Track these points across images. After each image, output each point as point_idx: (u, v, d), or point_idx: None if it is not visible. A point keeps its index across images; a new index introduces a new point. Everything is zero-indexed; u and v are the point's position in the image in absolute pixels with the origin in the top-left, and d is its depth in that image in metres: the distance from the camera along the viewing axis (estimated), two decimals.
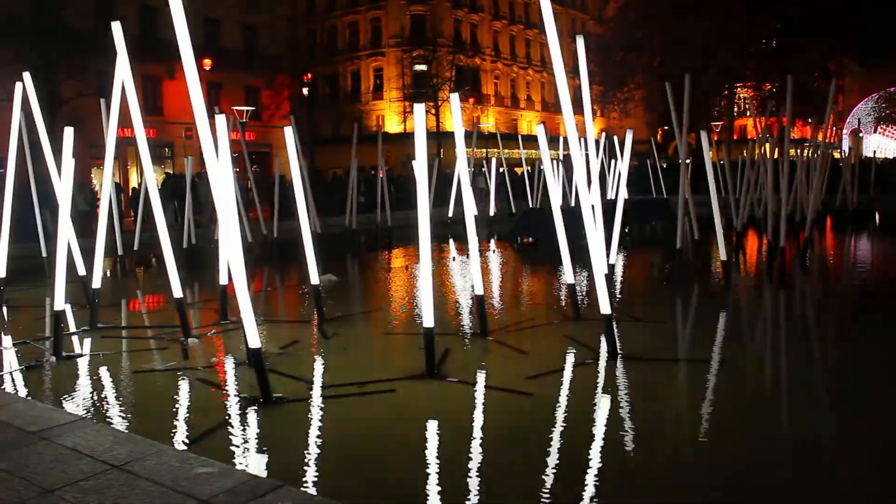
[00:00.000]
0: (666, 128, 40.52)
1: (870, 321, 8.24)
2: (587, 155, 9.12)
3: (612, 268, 9.81)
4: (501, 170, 22.33)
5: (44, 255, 12.62)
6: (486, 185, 22.84)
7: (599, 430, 4.77)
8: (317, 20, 54.13)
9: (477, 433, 4.78)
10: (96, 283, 8.14)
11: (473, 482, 3.98)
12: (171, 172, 29.11)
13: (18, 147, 9.24)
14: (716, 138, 33.41)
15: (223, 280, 8.09)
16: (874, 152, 42.32)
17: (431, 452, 4.48)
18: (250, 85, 39.30)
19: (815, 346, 6.80)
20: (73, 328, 8.09)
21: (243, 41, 39.31)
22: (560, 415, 5.10)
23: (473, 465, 4.23)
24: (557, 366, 6.18)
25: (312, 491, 3.85)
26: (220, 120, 6.71)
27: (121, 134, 9.05)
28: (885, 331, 7.69)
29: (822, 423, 4.77)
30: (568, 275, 7.89)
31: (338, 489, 3.81)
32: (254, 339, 5.33)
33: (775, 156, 14.60)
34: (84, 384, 6.11)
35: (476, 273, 7.44)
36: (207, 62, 30.13)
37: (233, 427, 4.92)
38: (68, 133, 7.19)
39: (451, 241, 17.11)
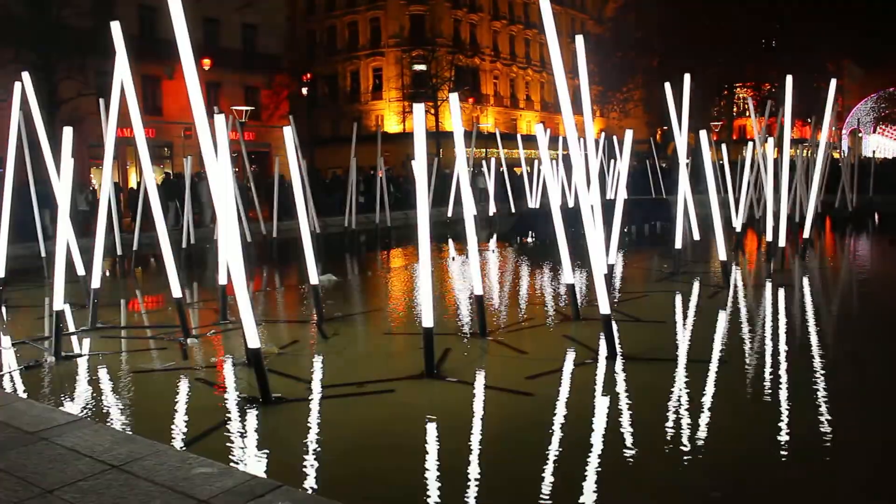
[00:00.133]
0: (665, 128, 40.53)
1: (869, 320, 8.24)
2: (586, 155, 9.12)
3: (611, 268, 9.81)
4: (501, 169, 22.32)
5: (43, 255, 12.60)
6: (485, 185, 22.84)
7: (599, 430, 4.76)
8: (316, 20, 54.12)
9: (476, 433, 4.78)
10: (95, 283, 8.13)
11: (473, 482, 3.98)
12: (170, 172, 29.08)
13: (17, 147, 9.24)
14: (715, 138, 33.42)
15: (222, 280, 8.08)
16: (873, 152, 42.35)
17: (431, 452, 4.48)
18: (249, 85, 39.27)
19: (814, 346, 6.80)
20: (72, 328, 8.09)
21: (242, 41, 39.28)
22: (559, 415, 5.10)
23: (473, 464, 4.23)
24: (557, 366, 6.18)
25: (311, 491, 3.85)
26: (220, 120, 6.71)
27: (120, 134, 9.05)
28: (884, 330, 7.70)
29: (821, 423, 4.76)
30: (567, 274, 7.89)
31: (337, 489, 3.81)
32: (253, 339, 5.33)
33: (774, 155, 14.59)
34: (83, 384, 6.11)
35: (475, 273, 7.44)
36: (206, 62, 30.11)
37: (232, 427, 4.92)
38: (67, 133, 7.18)
39: (450, 240, 17.11)
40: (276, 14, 41.19)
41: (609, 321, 6.42)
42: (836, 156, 26.03)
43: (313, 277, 8.27)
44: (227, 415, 5.16)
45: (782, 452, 4.32)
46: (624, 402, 5.33)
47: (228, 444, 4.56)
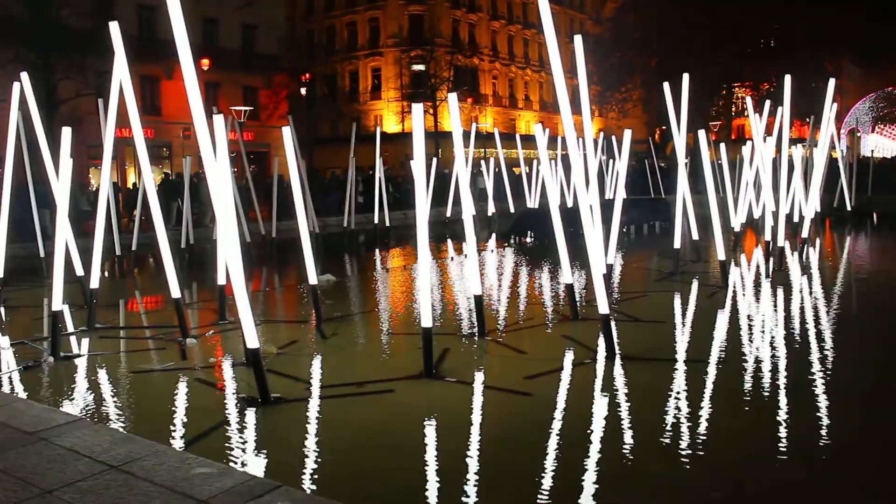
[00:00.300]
0: (664, 128, 40.56)
1: (869, 320, 8.24)
2: (585, 155, 9.12)
3: (610, 268, 9.81)
4: (498, 170, 22.31)
5: (42, 255, 12.60)
6: (484, 185, 22.83)
7: (598, 430, 4.77)
8: (315, 20, 54.12)
9: (475, 433, 4.78)
10: (94, 283, 8.13)
11: (472, 482, 3.98)
12: (169, 172, 29.06)
13: (16, 147, 9.23)
14: (714, 138, 33.44)
15: (221, 280, 8.08)
16: (872, 152, 42.34)
17: (430, 452, 4.48)
18: (248, 85, 39.28)
19: (813, 346, 6.80)
20: (71, 328, 8.08)
21: (241, 41, 39.28)
22: (558, 415, 5.10)
23: (472, 464, 4.23)
24: (556, 366, 6.18)
25: (310, 491, 3.85)
26: (218, 120, 6.70)
27: (119, 134, 9.03)
28: (884, 329, 7.71)
29: (821, 423, 4.77)
30: (566, 274, 7.89)
31: (336, 489, 3.80)
32: (252, 340, 5.33)
33: (773, 155, 14.59)
34: (82, 384, 6.10)
35: (474, 273, 7.44)
36: (205, 62, 30.11)
37: (231, 427, 4.92)
38: (66, 133, 7.18)
39: (449, 240, 17.10)
40: (276, 14, 41.19)
41: (608, 321, 6.42)
42: (835, 155, 26.04)
43: (312, 277, 8.27)
44: (227, 415, 5.15)
45: (782, 452, 4.32)
46: (623, 402, 5.33)
47: (227, 445, 4.56)
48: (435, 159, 22.73)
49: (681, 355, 6.61)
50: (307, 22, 53.51)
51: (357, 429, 4.89)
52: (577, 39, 7.76)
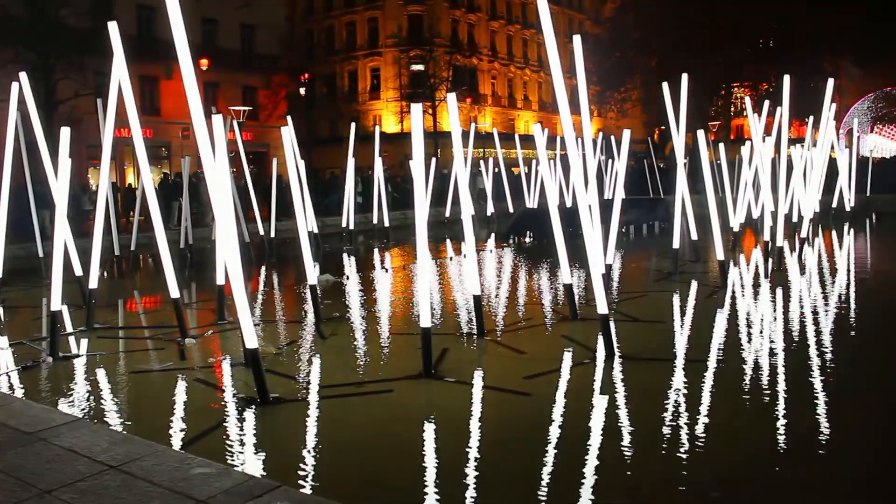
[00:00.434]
0: (663, 128, 40.58)
1: (868, 320, 8.24)
2: (584, 155, 9.12)
3: (609, 268, 9.81)
4: (497, 170, 22.31)
5: (41, 255, 12.59)
6: (483, 185, 22.84)
7: (597, 430, 4.77)
8: (314, 20, 54.09)
9: (474, 433, 4.78)
10: (93, 283, 8.12)
11: (471, 482, 3.98)
12: (168, 173, 29.05)
13: (15, 147, 9.22)
14: (713, 138, 33.46)
15: (220, 280, 8.08)
16: (870, 152, 42.34)
17: (429, 452, 4.48)
18: (247, 85, 39.25)
19: (812, 346, 6.81)
20: (69, 328, 8.08)
21: (241, 41, 39.26)
22: (557, 415, 5.10)
23: (471, 464, 4.23)
24: (555, 366, 6.18)
25: (309, 491, 3.84)
26: (217, 120, 6.70)
27: (118, 134, 9.03)
28: (883, 329, 7.71)
29: (821, 423, 4.77)
30: (565, 274, 7.89)
31: (335, 489, 3.80)
32: (251, 340, 5.33)
33: (772, 155, 14.61)
34: (81, 385, 6.10)
35: (473, 273, 7.44)
36: (204, 62, 30.08)
37: (230, 427, 4.91)
38: (65, 133, 7.18)
39: (448, 240, 17.10)
40: (275, 14, 41.17)
41: (607, 321, 6.43)
42: (833, 155, 26.05)
43: (311, 277, 8.27)
44: (226, 415, 5.15)
45: (782, 452, 4.32)
46: (622, 402, 5.33)
47: (227, 445, 4.56)
48: (434, 159, 22.71)
49: (680, 355, 6.61)
50: (306, 22, 53.49)
51: (356, 429, 4.89)
52: (576, 39, 7.76)
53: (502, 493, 3.92)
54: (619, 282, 10.74)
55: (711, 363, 6.22)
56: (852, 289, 10.27)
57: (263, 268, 13.94)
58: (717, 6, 35.51)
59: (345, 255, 16.02)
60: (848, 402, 5.29)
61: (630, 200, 17.63)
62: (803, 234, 13.39)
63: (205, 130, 5.51)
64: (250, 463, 4.30)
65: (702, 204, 11.15)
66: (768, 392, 5.45)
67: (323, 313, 8.29)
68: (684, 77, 10.12)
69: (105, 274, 13.01)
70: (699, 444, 4.45)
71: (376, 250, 16.81)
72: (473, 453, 4.41)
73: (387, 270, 13.55)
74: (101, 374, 6.40)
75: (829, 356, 6.40)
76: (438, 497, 3.83)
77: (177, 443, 4.62)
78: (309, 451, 4.49)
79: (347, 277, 12.47)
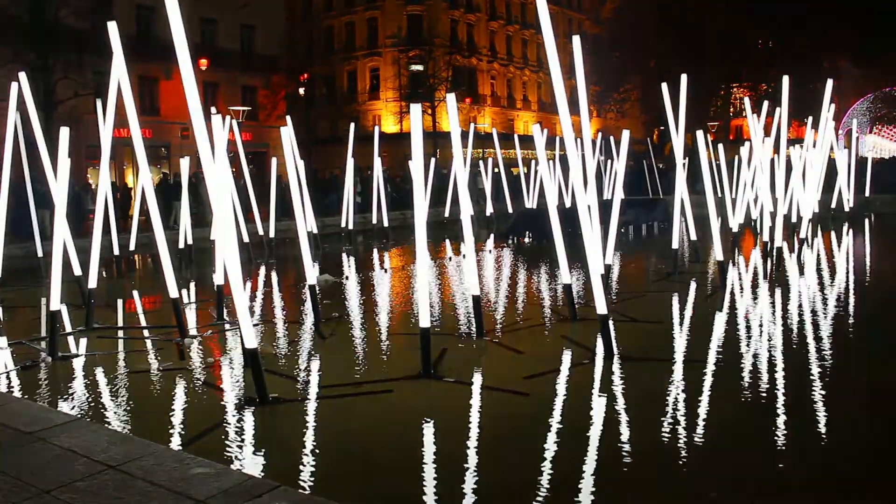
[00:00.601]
0: (662, 128, 40.60)
1: (867, 320, 8.25)
2: (583, 155, 9.12)
3: (608, 268, 9.81)
4: (496, 170, 22.31)
5: (40, 255, 12.59)
6: (483, 185, 22.85)
7: (596, 430, 4.77)
8: (314, 20, 54.08)
9: (474, 433, 4.78)
10: (92, 283, 8.12)
11: (470, 482, 3.98)
12: (167, 173, 29.03)
13: (14, 147, 9.22)
14: (712, 138, 33.47)
15: (219, 280, 8.08)
16: (870, 152, 42.36)
17: (428, 452, 4.48)
18: (247, 85, 39.23)
19: (811, 346, 6.81)
20: (68, 328, 8.08)
21: (240, 41, 39.24)
22: (557, 415, 5.10)
23: (470, 465, 4.23)
24: (554, 366, 6.18)
25: (309, 491, 3.85)
26: (217, 120, 6.70)
27: (117, 134, 9.04)
28: (882, 329, 7.71)
29: (821, 423, 4.77)
30: (564, 275, 7.90)
31: (334, 489, 3.80)
32: (250, 340, 5.33)
33: (771, 156, 14.61)
34: (80, 384, 6.10)
35: (472, 273, 7.44)
36: (204, 62, 30.08)
37: (229, 427, 4.91)
38: (64, 133, 7.18)
39: (447, 241, 17.10)
40: (274, 14, 41.14)
41: (606, 321, 6.43)
42: (832, 156, 26.07)
43: (311, 278, 8.27)
44: (225, 415, 5.15)
45: (782, 452, 4.32)
46: (621, 402, 5.33)
47: (226, 445, 4.56)
48: (433, 159, 22.71)
49: (679, 355, 6.61)
50: (306, 22, 53.47)
51: (355, 429, 4.89)
52: (576, 40, 7.76)
53: (501, 492, 3.92)
54: (618, 282, 10.75)
55: (710, 364, 6.22)
56: (851, 289, 10.28)
57: (262, 268, 13.94)
58: (716, 6, 35.54)
59: (344, 256, 16.02)
60: (847, 401, 5.29)
61: (629, 201, 17.63)
62: (802, 235, 13.38)
63: (204, 131, 5.52)
64: (249, 463, 4.30)
65: (701, 204, 11.16)
66: (767, 392, 5.45)
67: (322, 313, 8.29)
68: (683, 78, 10.12)
69: (104, 274, 13.00)
70: (699, 444, 4.46)
71: (375, 250, 16.81)
72: (472, 453, 4.41)
73: (386, 270, 13.55)
74: (100, 374, 6.40)
75: (828, 356, 6.40)
76: (437, 497, 3.83)
77: (176, 443, 4.62)
78: (308, 451, 4.49)
79: (347, 277, 12.47)
